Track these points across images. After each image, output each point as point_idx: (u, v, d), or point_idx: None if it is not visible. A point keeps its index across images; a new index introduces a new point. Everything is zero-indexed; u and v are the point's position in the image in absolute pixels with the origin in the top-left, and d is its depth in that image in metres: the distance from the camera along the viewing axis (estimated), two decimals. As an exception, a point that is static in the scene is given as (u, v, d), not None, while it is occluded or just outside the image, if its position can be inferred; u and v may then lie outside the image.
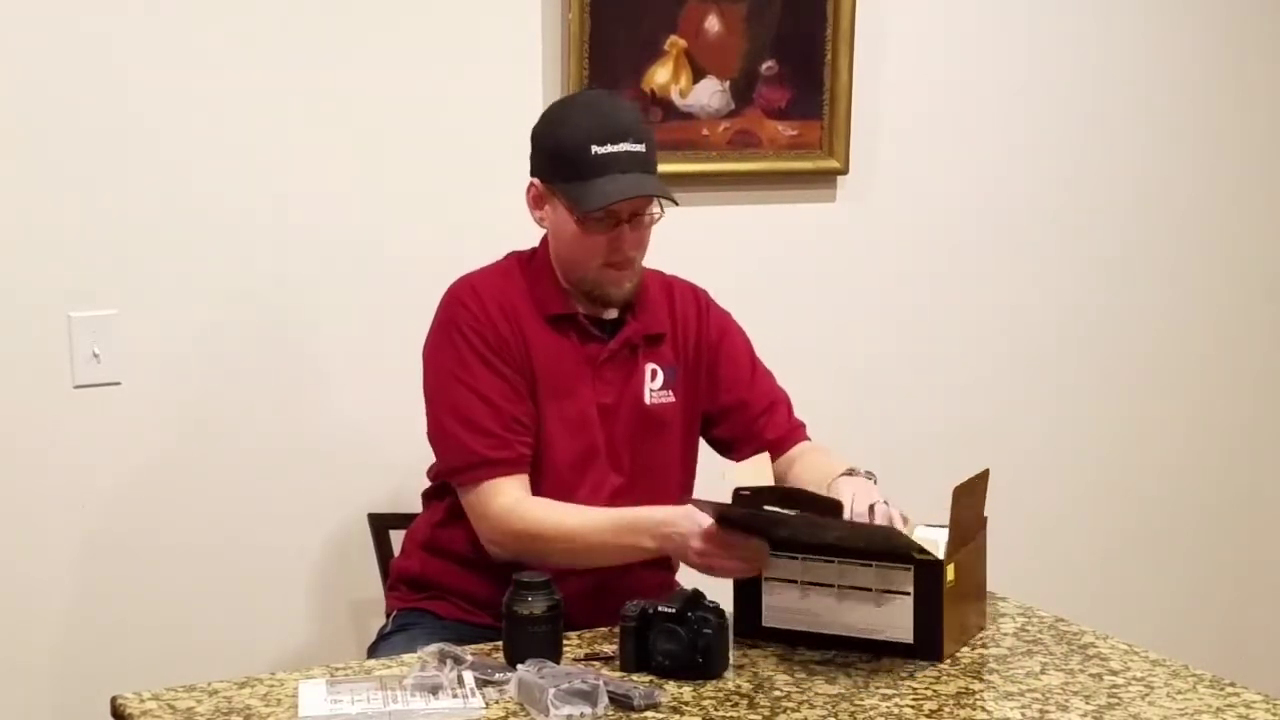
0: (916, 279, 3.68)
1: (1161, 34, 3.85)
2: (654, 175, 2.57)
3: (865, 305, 3.64)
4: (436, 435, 2.60)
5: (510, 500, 2.52)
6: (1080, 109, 3.79)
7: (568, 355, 2.60)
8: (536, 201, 2.58)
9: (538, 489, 2.57)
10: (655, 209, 2.58)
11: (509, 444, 2.54)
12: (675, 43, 3.33)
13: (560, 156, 2.52)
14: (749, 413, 2.75)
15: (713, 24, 3.35)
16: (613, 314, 2.64)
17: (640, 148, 2.53)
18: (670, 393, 2.67)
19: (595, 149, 2.48)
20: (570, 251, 2.57)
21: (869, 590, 2.38)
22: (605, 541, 2.50)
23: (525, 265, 2.65)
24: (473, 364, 2.55)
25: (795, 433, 2.79)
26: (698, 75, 3.36)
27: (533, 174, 2.59)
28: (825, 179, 3.53)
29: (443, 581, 2.66)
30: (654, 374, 2.66)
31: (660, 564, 2.70)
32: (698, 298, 2.76)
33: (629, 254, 2.56)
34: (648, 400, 2.65)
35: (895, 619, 2.38)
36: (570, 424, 2.60)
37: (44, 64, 2.89)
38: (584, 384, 2.61)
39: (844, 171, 3.51)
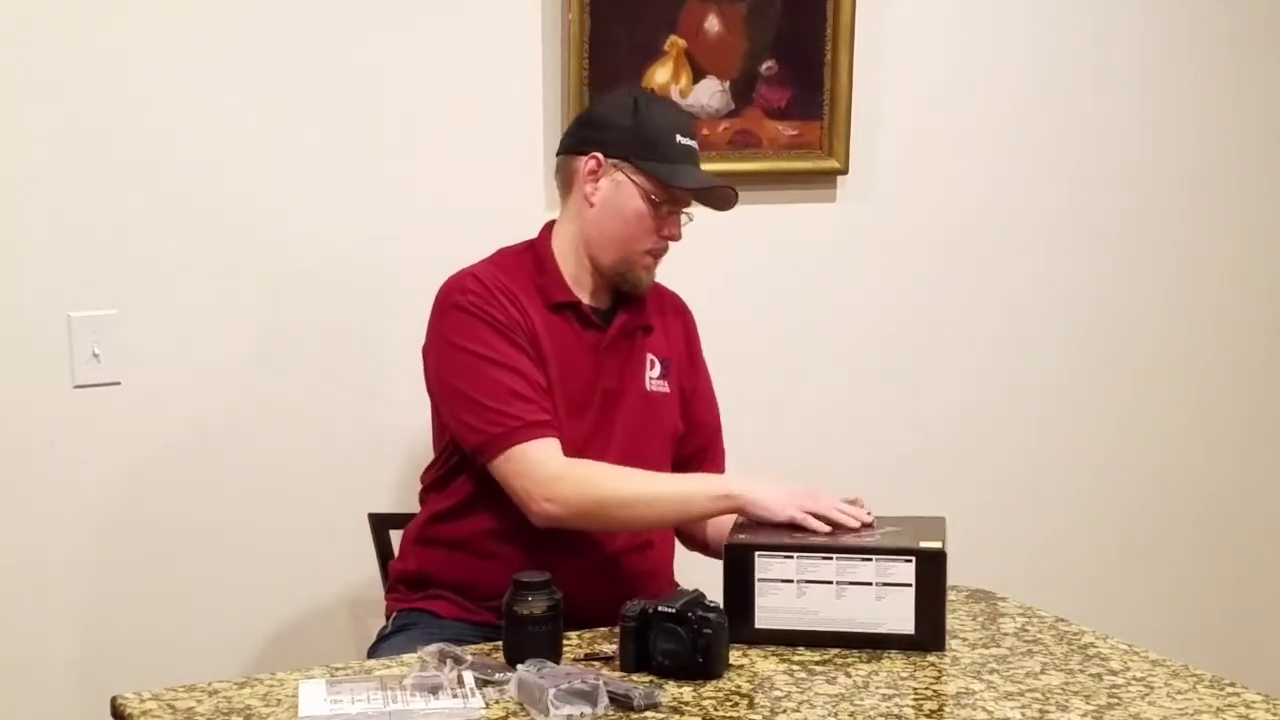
0: (916, 279, 3.68)
1: (1160, 33, 3.85)
2: None
3: (865, 305, 3.64)
4: (466, 412, 2.56)
5: (564, 455, 2.53)
6: (1080, 109, 3.79)
7: (572, 340, 2.64)
8: (593, 175, 2.63)
9: None
10: (690, 212, 2.69)
11: (547, 408, 2.57)
12: (675, 43, 3.33)
13: (644, 137, 2.62)
14: (700, 440, 2.83)
15: (713, 24, 3.36)
16: (605, 304, 2.69)
17: (697, 147, 2.70)
18: (665, 383, 2.74)
19: (679, 138, 2.64)
20: (623, 228, 2.63)
21: (869, 584, 2.38)
22: (682, 488, 2.59)
23: (522, 257, 2.69)
24: (490, 339, 2.56)
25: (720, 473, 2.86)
26: (698, 75, 3.36)
27: (590, 148, 2.63)
28: (825, 179, 3.53)
29: (440, 575, 2.67)
30: (652, 363, 2.72)
31: (657, 556, 2.71)
32: (683, 309, 2.85)
33: (668, 245, 2.67)
34: (648, 386, 2.71)
35: (896, 611, 2.38)
36: (575, 406, 2.63)
37: (44, 64, 2.89)
38: (589, 368, 2.65)
39: (844, 171, 3.51)
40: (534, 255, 2.68)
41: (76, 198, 2.94)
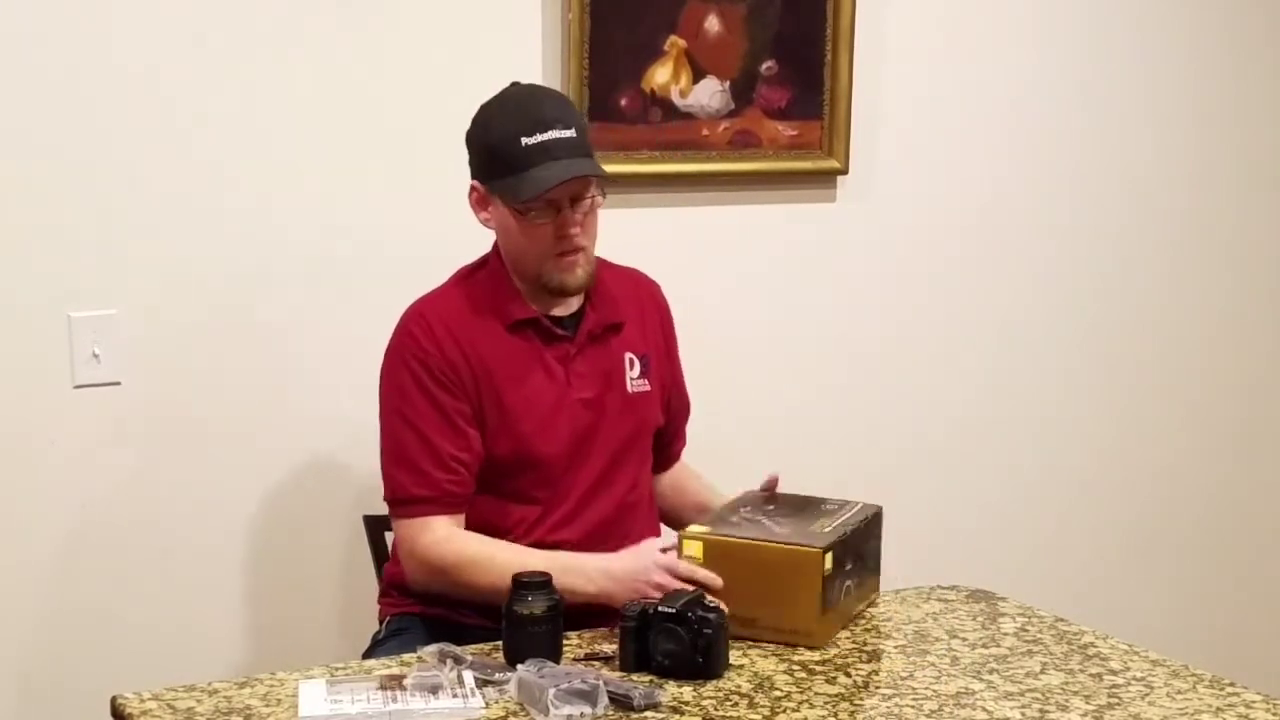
0: (916, 279, 3.68)
1: (1161, 33, 3.85)
2: (589, 159, 2.55)
3: (865, 305, 3.64)
4: (382, 465, 2.62)
5: (438, 536, 2.53)
6: (1080, 108, 3.79)
7: (535, 359, 2.60)
8: (480, 204, 2.59)
9: (526, 487, 2.58)
10: (597, 194, 2.56)
11: (437, 483, 2.54)
12: (675, 43, 3.33)
13: (492, 154, 2.53)
14: (671, 417, 2.81)
15: (713, 24, 3.35)
16: (571, 308, 2.63)
17: (570, 133, 2.52)
18: (646, 382, 2.70)
19: (524, 140, 2.49)
20: (519, 247, 2.57)
21: None
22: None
23: (476, 276, 2.65)
24: (414, 397, 2.55)
25: (681, 451, 2.87)
26: (698, 75, 3.36)
27: (473, 177, 2.60)
28: (825, 179, 3.53)
29: (432, 589, 2.66)
30: (631, 363, 2.68)
31: None
32: (656, 292, 2.78)
33: (576, 240, 2.55)
34: (630, 389, 2.67)
35: None
36: (547, 426, 2.59)
37: (44, 64, 2.89)
38: (557, 384, 2.61)
39: (844, 171, 3.51)
40: (488, 273, 2.63)
41: (76, 198, 2.94)
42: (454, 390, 2.55)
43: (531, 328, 2.60)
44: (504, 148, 2.51)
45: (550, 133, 2.50)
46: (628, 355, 2.68)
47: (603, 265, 2.68)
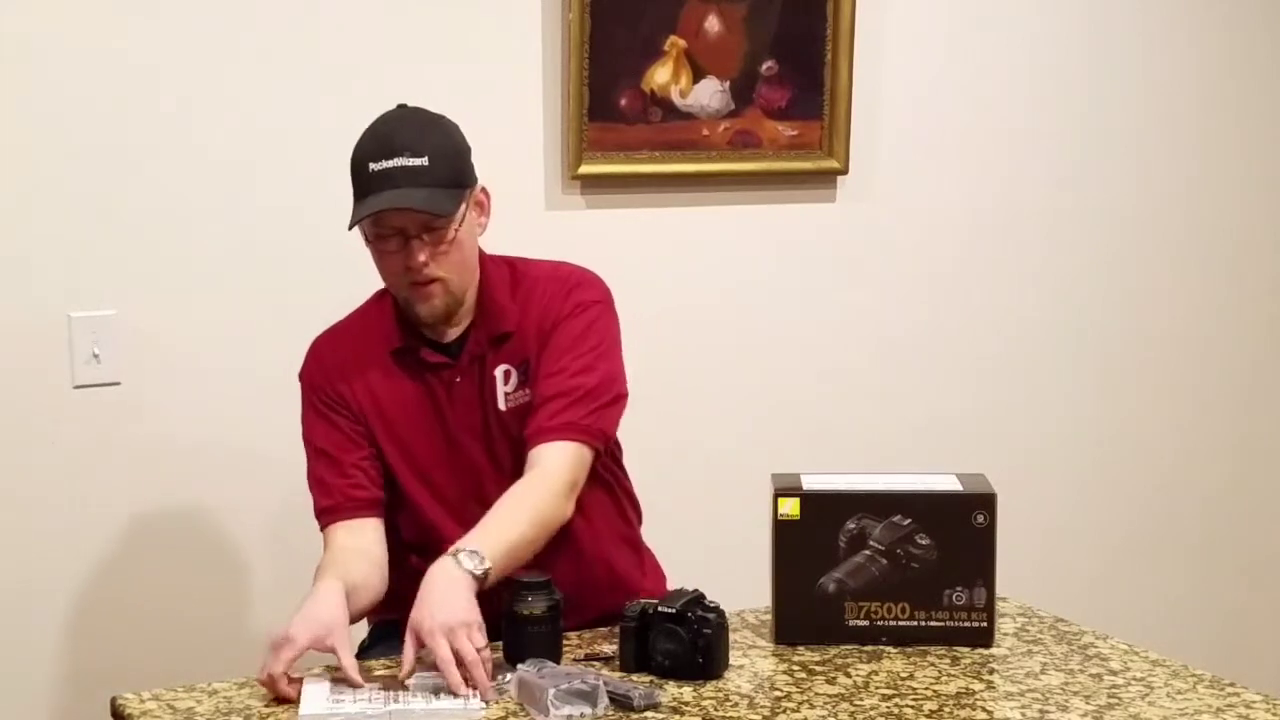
0: (916, 279, 3.68)
1: (1162, 33, 3.85)
2: (436, 189, 2.41)
3: (865, 305, 3.64)
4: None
5: (332, 547, 2.51)
6: (1080, 109, 3.79)
7: (419, 388, 2.53)
8: None
9: (433, 517, 2.53)
10: (450, 228, 2.41)
11: (339, 489, 2.52)
12: (675, 43, 3.33)
13: (351, 174, 2.46)
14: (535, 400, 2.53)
15: (713, 24, 3.35)
16: (461, 327, 2.52)
17: (419, 161, 2.41)
18: (527, 391, 2.52)
19: (371, 165, 2.41)
20: (379, 269, 2.50)
21: None
22: None
23: (384, 300, 2.58)
24: (312, 421, 2.57)
25: (542, 434, 2.47)
26: (698, 75, 3.36)
27: None
28: (825, 179, 3.53)
29: (411, 596, 2.66)
30: (507, 375, 2.52)
31: (634, 552, 2.65)
32: (568, 286, 2.56)
33: (424, 273, 2.42)
34: (502, 405, 2.52)
35: None
36: (438, 461, 2.53)
37: (44, 65, 2.89)
38: (441, 413, 2.52)
39: (844, 171, 3.51)
40: (388, 297, 2.56)
41: (77, 198, 2.94)
42: (345, 414, 2.54)
43: (411, 356, 2.53)
44: (358, 169, 2.43)
45: (395, 160, 2.40)
46: (502, 368, 2.52)
47: (513, 271, 2.56)
